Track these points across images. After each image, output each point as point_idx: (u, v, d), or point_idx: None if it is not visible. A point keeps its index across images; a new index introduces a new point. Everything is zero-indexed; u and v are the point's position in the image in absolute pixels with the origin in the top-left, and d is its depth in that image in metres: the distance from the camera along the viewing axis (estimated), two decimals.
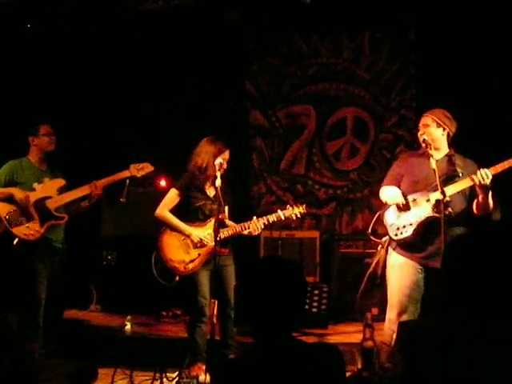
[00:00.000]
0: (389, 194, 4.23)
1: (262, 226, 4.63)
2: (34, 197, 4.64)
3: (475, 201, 4.12)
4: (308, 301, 5.76)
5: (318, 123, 7.00)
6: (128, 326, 5.59)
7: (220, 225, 4.49)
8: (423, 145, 4.31)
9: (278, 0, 6.48)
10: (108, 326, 5.85)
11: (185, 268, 4.53)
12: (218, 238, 4.33)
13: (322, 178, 6.98)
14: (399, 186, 4.31)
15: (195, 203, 4.61)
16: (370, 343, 3.96)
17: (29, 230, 4.57)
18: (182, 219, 4.62)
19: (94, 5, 6.27)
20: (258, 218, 4.64)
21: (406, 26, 6.62)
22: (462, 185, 4.07)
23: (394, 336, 4.04)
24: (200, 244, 4.55)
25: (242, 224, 4.62)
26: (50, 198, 4.70)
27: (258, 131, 7.12)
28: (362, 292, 4.53)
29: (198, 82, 6.80)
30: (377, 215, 4.32)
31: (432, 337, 1.81)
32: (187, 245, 4.58)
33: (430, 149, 4.13)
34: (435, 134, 4.26)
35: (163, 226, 4.65)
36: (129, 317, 5.66)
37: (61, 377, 3.82)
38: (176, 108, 6.88)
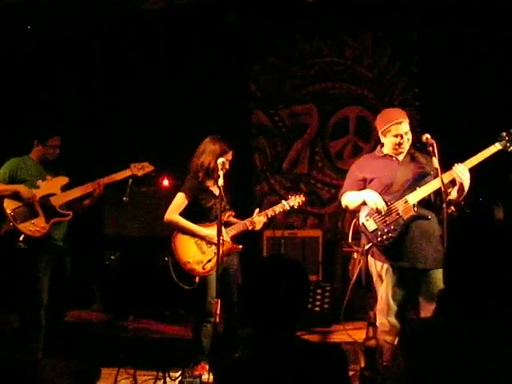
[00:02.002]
0: (368, 198, 4.09)
1: (265, 220, 4.63)
2: (38, 194, 4.67)
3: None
4: (311, 300, 5.77)
5: (320, 122, 7.00)
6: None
7: (226, 224, 4.52)
8: (399, 149, 4.17)
9: (279, 0, 6.47)
10: (110, 325, 5.85)
11: (203, 268, 4.45)
12: (227, 237, 4.45)
13: (325, 177, 6.98)
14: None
15: (206, 204, 4.55)
16: (372, 342, 3.95)
17: (34, 227, 4.60)
18: (191, 220, 4.53)
19: (95, 5, 6.27)
20: (261, 211, 4.65)
21: (408, 26, 6.61)
22: (446, 178, 3.97)
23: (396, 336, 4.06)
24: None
25: (248, 220, 4.61)
26: (54, 195, 4.73)
27: (261, 131, 7.12)
28: (348, 301, 4.51)
29: (200, 82, 6.80)
30: (353, 224, 4.23)
31: (431, 336, 1.81)
32: (202, 245, 4.51)
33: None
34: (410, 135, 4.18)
35: (173, 230, 4.55)
36: (131, 317, 5.66)
37: (63, 377, 3.81)
38: (178, 108, 6.88)
